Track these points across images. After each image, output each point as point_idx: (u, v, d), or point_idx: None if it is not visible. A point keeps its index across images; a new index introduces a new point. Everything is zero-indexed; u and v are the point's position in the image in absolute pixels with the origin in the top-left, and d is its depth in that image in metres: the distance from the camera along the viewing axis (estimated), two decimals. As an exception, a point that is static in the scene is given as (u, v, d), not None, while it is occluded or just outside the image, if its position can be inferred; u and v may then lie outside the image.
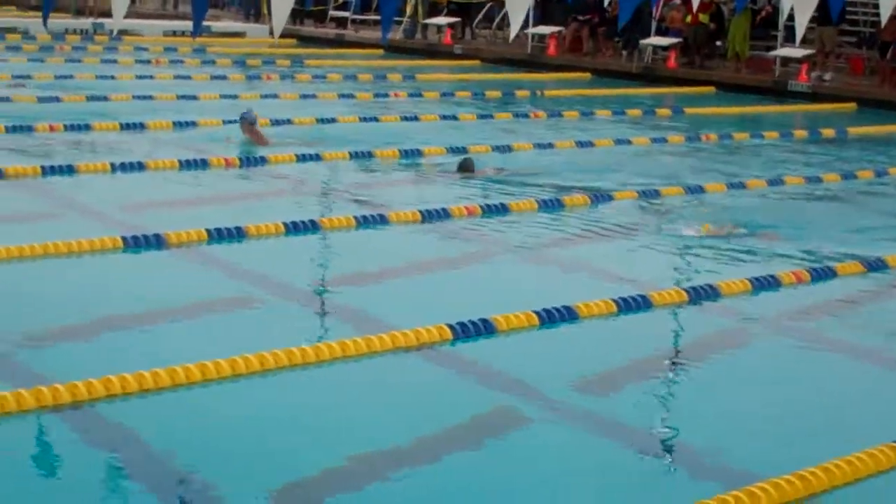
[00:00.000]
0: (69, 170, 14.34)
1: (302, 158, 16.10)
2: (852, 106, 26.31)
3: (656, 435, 7.54)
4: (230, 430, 7.18)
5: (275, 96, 22.93)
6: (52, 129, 17.19)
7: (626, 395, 8.18)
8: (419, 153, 17.21)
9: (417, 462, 6.88)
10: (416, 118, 21.06)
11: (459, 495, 6.48)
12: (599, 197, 14.50)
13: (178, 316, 9.28)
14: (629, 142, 19.80)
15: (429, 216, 12.95)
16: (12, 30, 32.90)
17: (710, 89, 28.59)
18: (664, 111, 24.22)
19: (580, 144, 19.06)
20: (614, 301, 9.81)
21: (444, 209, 13.17)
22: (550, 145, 18.78)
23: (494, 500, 6.46)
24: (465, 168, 15.70)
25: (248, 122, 16.78)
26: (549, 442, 7.34)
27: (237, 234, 11.64)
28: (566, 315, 9.49)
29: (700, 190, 15.47)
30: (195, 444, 6.92)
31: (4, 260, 10.29)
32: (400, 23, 36.15)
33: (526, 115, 22.52)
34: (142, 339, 8.72)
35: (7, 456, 6.69)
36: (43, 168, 14.19)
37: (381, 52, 33.80)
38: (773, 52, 29.29)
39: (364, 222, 12.58)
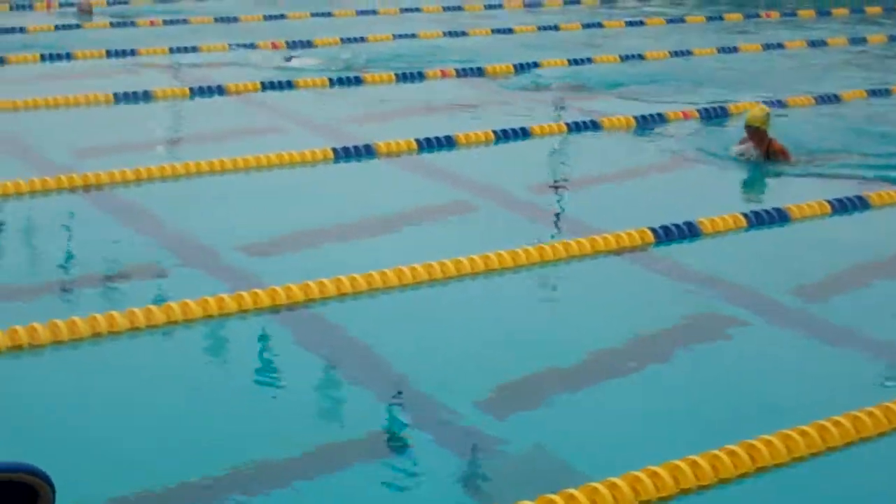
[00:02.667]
0: (288, 85, 14.56)
1: (519, 68, 15.94)
2: None
3: (873, 337, 7.16)
4: (436, 333, 7.19)
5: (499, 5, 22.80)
6: (274, 46, 17.48)
7: (842, 299, 7.85)
8: (641, 57, 16.83)
9: (622, 366, 6.72)
10: (641, 23, 20.61)
11: (669, 399, 6.31)
12: (825, 98, 13.91)
13: (383, 223, 9.31)
14: (864, 40, 18.94)
15: (643, 122, 12.67)
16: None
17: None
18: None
19: (812, 44, 18.35)
20: (828, 202, 9.40)
21: (659, 114, 12.85)
22: (780, 45, 18.13)
23: (707, 402, 6.29)
24: None
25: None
26: (761, 345, 7.10)
27: (447, 143, 11.63)
28: (776, 217, 9.14)
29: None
30: (406, 346, 6.93)
31: (218, 172, 10.53)
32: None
33: (756, 16, 21.77)
34: (353, 245, 8.78)
35: (229, 354, 6.92)
36: (262, 84, 14.44)
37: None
38: None
39: (576, 128, 12.39)
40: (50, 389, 6.27)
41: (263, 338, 7.07)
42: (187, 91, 13.99)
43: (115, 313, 6.93)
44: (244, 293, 7.35)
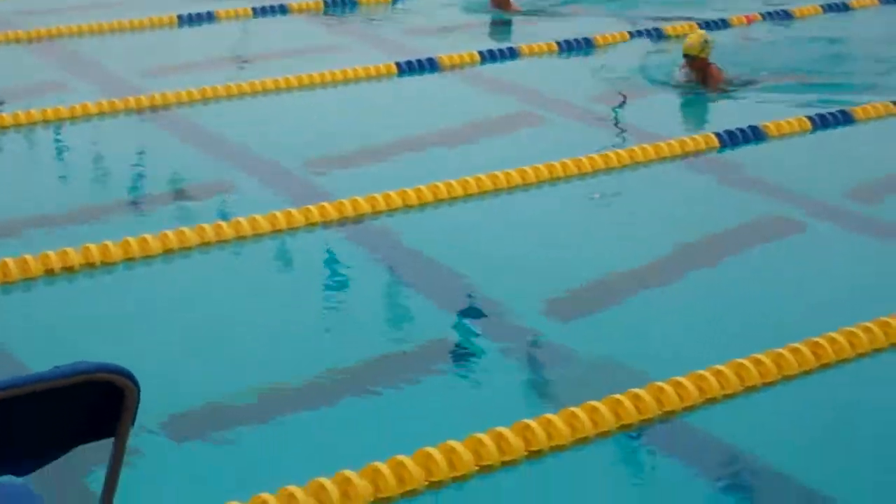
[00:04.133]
0: (350, 3, 14.55)
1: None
2: None
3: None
4: (501, 242, 7.24)
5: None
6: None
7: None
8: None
9: (686, 270, 6.78)
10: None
11: (731, 300, 6.37)
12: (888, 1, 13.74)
13: (447, 135, 9.35)
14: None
15: (706, 27, 12.55)
16: None
17: None
18: None
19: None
20: (894, 103, 9.32)
21: (722, 20, 12.74)
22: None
23: (770, 302, 6.32)
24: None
25: None
26: (821, 247, 7.15)
27: (510, 55, 11.61)
28: (841, 119, 9.08)
29: None
30: (471, 255, 6.99)
31: (283, 89, 10.60)
32: None
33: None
34: (419, 157, 8.85)
35: (298, 267, 7.05)
36: (325, 2, 14.44)
37: None
38: None
39: (638, 36, 12.33)
40: (123, 306, 6.41)
41: (331, 250, 7.17)
42: (250, 11, 14.04)
43: (185, 229, 7.06)
44: (312, 207, 7.45)
